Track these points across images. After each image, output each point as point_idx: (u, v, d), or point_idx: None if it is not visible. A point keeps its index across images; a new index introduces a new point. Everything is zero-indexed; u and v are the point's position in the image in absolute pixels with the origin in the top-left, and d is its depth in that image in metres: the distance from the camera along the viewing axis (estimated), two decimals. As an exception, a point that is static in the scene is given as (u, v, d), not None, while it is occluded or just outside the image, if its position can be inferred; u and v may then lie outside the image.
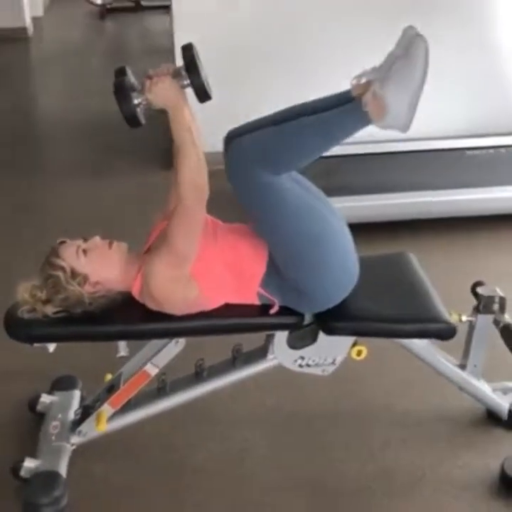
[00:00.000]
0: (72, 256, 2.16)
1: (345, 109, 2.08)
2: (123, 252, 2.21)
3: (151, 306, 2.18)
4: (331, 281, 2.19)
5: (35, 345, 2.28)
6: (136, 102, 1.99)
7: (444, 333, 2.26)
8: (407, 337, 2.31)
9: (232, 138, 2.17)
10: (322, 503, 2.32)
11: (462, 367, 2.48)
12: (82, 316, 2.19)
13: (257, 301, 2.22)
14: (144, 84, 2.00)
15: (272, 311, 2.21)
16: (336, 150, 4.07)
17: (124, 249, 2.22)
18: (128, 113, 1.99)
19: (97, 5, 8.48)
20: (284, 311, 2.23)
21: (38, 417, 2.57)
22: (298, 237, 2.11)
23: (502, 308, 2.42)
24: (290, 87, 4.20)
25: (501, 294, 2.42)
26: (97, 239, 2.22)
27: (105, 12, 8.43)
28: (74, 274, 2.14)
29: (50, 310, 2.18)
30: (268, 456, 2.48)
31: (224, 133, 2.23)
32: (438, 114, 4.19)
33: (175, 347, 2.30)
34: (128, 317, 2.25)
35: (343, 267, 2.20)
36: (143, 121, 2.03)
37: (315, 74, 4.26)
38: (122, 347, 2.33)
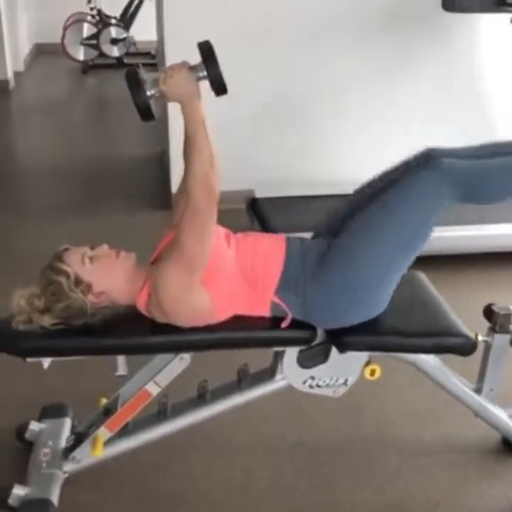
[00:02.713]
0: (77, 262, 2.04)
1: None
2: (131, 263, 2.10)
3: (159, 317, 2.06)
4: (374, 306, 2.15)
5: (29, 360, 2.12)
6: (149, 93, 1.92)
7: (465, 347, 2.16)
8: (425, 352, 2.20)
9: (438, 156, 2.18)
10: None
11: (478, 391, 2.37)
12: (82, 328, 2.06)
13: (268, 313, 2.11)
14: (158, 76, 1.92)
15: (284, 323, 2.10)
16: (338, 190, 4.05)
17: (132, 260, 2.10)
18: (141, 104, 1.90)
19: (79, 61, 8.51)
20: (296, 324, 2.12)
21: (27, 447, 2.40)
22: (393, 261, 2.12)
23: (518, 328, 2.33)
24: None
25: (518, 311, 2.33)
26: (105, 247, 2.10)
27: (88, 68, 8.44)
28: (78, 281, 2.02)
29: (47, 321, 2.04)
30: (273, 485, 2.33)
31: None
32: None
33: (179, 364, 2.17)
34: (131, 330, 2.12)
35: (387, 298, 2.16)
36: (155, 115, 1.95)
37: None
38: (121, 365, 2.19)
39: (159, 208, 4.49)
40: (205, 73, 1.92)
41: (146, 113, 1.93)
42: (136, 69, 1.96)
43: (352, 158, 4.39)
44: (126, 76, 1.94)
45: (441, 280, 2.63)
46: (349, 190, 3.98)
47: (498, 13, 3.92)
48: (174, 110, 4.19)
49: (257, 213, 3.87)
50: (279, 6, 4.15)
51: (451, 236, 3.59)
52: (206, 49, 1.92)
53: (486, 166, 2.19)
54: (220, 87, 1.93)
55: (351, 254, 2.10)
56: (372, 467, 2.41)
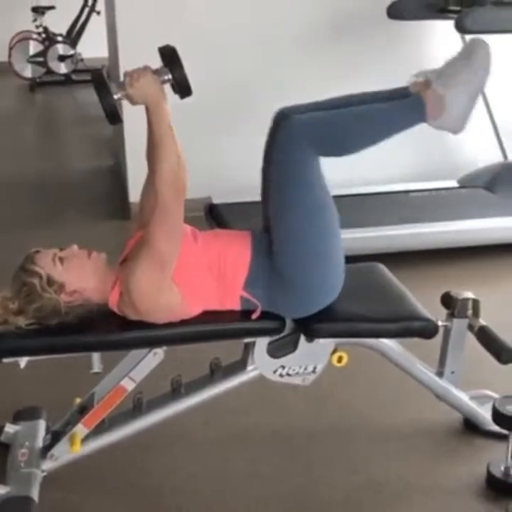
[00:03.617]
0: (48, 263, 2.09)
1: (404, 103, 2.15)
2: (102, 262, 2.16)
3: (131, 315, 2.12)
4: (327, 284, 2.21)
5: (5, 361, 2.16)
6: (116, 97, 1.96)
7: (428, 330, 2.27)
8: (391, 336, 2.30)
9: (288, 114, 2.19)
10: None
11: (439, 375, 2.47)
12: (57, 327, 2.11)
13: (238, 307, 2.19)
14: (124, 80, 1.97)
15: (254, 315, 2.18)
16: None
17: (102, 260, 2.16)
18: (109, 107, 1.95)
19: (26, 79, 8.50)
20: (265, 316, 2.19)
21: (2, 449, 2.41)
22: (315, 229, 2.13)
23: (476, 313, 2.44)
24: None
25: (474, 297, 2.44)
26: (75, 247, 2.16)
27: (35, 85, 8.44)
28: (50, 281, 2.07)
29: (22, 322, 2.09)
30: (250, 473, 2.39)
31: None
32: (387, 161, 4.41)
33: (153, 359, 2.22)
34: (105, 327, 2.18)
35: (338, 271, 2.22)
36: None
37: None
38: (96, 362, 2.24)
39: (116, 218, 4.54)
40: (169, 76, 1.98)
41: (113, 116, 1.98)
42: (101, 73, 2.00)
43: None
44: (93, 80, 1.98)
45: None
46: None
47: (441, 19, 4.08)
48: (130, 123, 4.20)
49: (216, 219, 3.93)
50: (234, 18, 4.28)
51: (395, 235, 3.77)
52: (170, 52, 1.99)
53: (339, 115, 2.18)
54: (185, 90, 1.99)
55: (284, 241, 2.16)
56: (345, 452, 2.49)
